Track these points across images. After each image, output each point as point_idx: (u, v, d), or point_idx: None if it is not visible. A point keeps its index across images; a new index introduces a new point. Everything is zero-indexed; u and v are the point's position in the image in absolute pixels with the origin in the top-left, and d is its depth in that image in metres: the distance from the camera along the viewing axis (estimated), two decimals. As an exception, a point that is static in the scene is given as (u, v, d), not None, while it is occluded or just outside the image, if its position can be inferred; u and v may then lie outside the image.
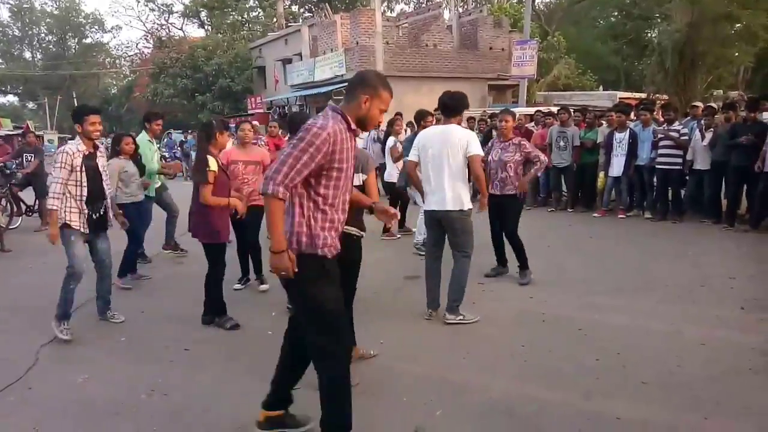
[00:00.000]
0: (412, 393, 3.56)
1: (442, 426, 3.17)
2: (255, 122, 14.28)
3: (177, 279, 6.36)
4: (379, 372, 3.85)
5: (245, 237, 5.77)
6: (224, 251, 4.81)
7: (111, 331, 4.76)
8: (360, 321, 4.83)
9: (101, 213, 4.72)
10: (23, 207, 9.99)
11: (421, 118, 6.69)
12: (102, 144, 5.12)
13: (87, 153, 4.59)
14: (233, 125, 23.86)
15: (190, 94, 29.90)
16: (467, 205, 4.66)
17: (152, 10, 46.71)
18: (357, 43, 19.06)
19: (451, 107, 4.74)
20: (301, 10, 39.80)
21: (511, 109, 7.05)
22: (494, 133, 10.09)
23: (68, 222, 4.50)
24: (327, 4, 27.29)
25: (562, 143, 9.83)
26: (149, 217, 6.58)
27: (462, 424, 3.20)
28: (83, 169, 4.53)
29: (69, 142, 4.72)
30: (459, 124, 4.86)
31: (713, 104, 9.95)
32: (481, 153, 4.71)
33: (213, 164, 4.61)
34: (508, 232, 5.87)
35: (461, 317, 4.69)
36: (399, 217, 7.93)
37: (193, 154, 12.37)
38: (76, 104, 40.37)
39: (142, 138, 6.74)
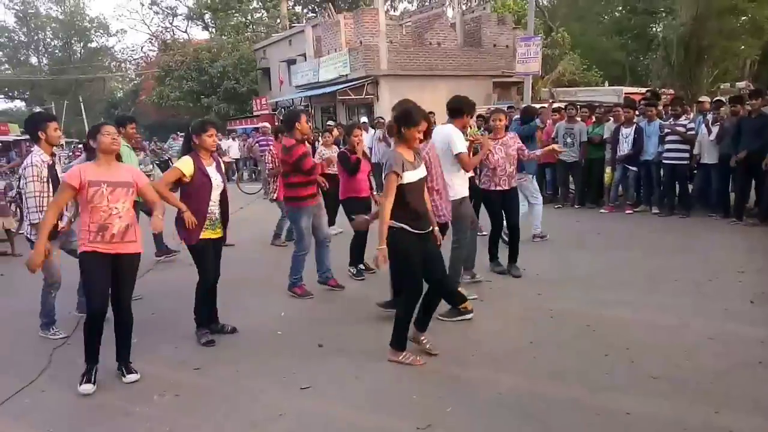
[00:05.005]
0: (422, 390, 3.58)
1: (452, 422, 3.18)
2: (266, 123, 14.33)
3: (186, 282, 6.36)
4: (388, 370, 3.87)
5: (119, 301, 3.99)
6: (201, 255, 4.47)
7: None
8: (369, 318, 4.87)
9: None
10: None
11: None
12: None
13: (50, 163, 4.52)
14: (239, 127, 23.88)
15: (196, 97, 30.07)
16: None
17: (156, 13, 47.26)
18: (361, 42, 19.07)
19: (450, 109, 5.20)
20: (305, 10, 39.93)
21: (503, 108, 7.28)
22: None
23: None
24: (330, 4, 27.35)
25: (569, 140, 9.79)
26: None
27: (472, 420, 3.22)
28: (49, 180, 4.47)
29: (31, 152, 4.50)
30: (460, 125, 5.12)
31: (722, 98, 9.90)
32: (464, 150, 4.98)
33: (183, 166, 4.31)
34: (516, 223, 5.99)
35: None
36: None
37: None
38: (83, 108, 40.91)
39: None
